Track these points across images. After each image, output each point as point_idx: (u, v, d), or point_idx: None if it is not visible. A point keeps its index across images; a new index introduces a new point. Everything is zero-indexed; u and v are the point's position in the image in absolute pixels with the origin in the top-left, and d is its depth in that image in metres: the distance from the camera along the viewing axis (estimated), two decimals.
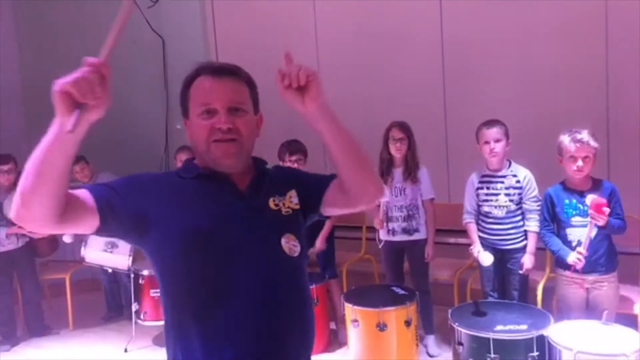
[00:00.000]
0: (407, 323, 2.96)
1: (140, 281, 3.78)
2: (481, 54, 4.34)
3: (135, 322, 3.80)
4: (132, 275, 3.83)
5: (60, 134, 1.01)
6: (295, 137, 3.69)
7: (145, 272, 3.78)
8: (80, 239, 4.03)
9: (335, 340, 3.65)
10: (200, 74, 1.29)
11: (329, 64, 4.71)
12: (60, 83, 0.97)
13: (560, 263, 2.74)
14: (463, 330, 2.59)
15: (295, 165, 3.57)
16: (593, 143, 2.60)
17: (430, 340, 3.43)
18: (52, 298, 4.51)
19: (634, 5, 3.75)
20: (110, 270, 4.13)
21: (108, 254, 3.96)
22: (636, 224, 3.02)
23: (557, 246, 2.72)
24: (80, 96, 0.98)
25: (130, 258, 3.92)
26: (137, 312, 3.79)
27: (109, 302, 4.53)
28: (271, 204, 1.30)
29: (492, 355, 2.46)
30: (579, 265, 2.59)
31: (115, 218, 1.17)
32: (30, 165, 1.02)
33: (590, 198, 2.51)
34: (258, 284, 1.21)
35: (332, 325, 3.73)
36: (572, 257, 2.61)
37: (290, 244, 1.28)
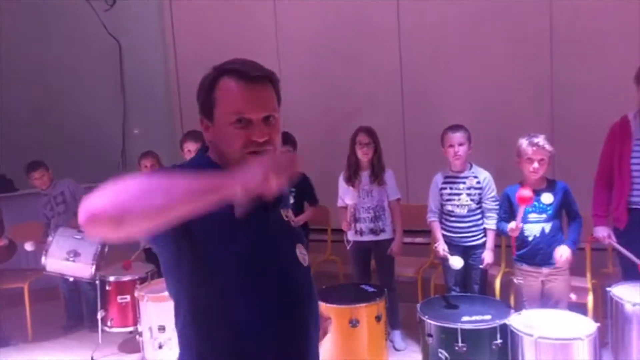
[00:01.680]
0: (378, 318, 3.09)
1: (107, 287, 3.75)
2: (436, 63, 4.58)
3: (102, 330, 3.76)
4: (97, 282, 3.79)
5: (217, 196, 0.96)
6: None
7: (112, 279, 3.75)
8: (41, 248, 3.94)
9: None
10: (225, 74, 1.22)
11: (290, 70, 4.82)
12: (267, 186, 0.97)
13: (519, 257, 2.96)
14: (432, 323, 2.75)
15: None
16: (548, 147, 2.84)
17: (397, 335, 3.59)
18: (9, 308, 4.36)
19: (577, 19, 4.09)
20: (71, 279, 4.06)
21: (70, 263, 3.89)
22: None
23: (502, 226, 2.97)
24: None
25: (94, 266, 3.87)
26: (103, 319, 3.74)
27: (69, 311, 4.44)
28: (283, 214, 1.33)
29: (460, 344, 2.63)
30: (515, 233, 2.82)
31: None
32: (159, 193, 0.93)
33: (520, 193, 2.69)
34: (288, 291, 1.25)
35: None
36: (510, 225, 2.83)
37: (302, 254, 1.32)
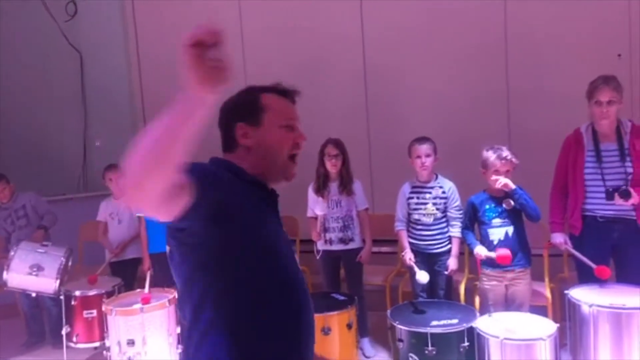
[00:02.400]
0: (349, 326, 3.16)
1: (72, 302, 3.68)
2: (399, 74, 4.74)
3: (66, 346, 3.68)
4: (62, 297, 3.71)
5: (195, 107, 0.97)
6: None
7: (77, 293, 3.69)
8: (1, 263, 3.83)
9: None
10: (268, 92, 1.40)
11: (255, 80, 4.86)
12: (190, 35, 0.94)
13: (484, 262, 3.10)
14: (403, 328, 2.84)
15: None
16: (515, 160, 3.00)
17: (366, 342, 3.67)
18: None
19: (531, 30, 4.32)
20: (33, 295, 3.96)
21: (33, 278, 3.79)
22: (540, 229, 3.47)
23: (470, 240, 3.13)
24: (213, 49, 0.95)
25: (58, 281, 3.79)
26: (68, 335, 3.67)
27: (30, 328, 4.31)
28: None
29: (430, 348, 2.73)
30: (481, 257, 3.02)
31: (204, 199, 1.10)
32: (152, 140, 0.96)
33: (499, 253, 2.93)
34: (299, 292, 1.31)
35: None
36: (477, 249, 3.02)
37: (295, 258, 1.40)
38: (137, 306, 3.46)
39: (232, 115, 1.36)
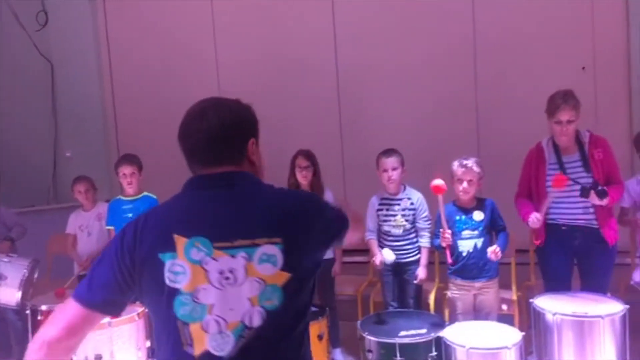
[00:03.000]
0: (320, 337, 3.17)
1: (38, 317, 3.60)
2: (373, 84, 4.81)
3: None
4: (28, 312, 3.63)
5: None
6: None
7: (44, 307, 3.60)
8: None
9: None
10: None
11: (229, 90, 4.87)
12: None
13: (453, 272, 3.14)
14: (372, 339, 2.86)
15: None
16: (476, 168, 3.05)
17: (337, 353, 3.67)
18: None
19: (499, 43, 4.42)
20: None
21: None
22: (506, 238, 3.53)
23: (437, 243, 3.18)
24: None
25: (20, 292, 3.70)
26: None
27: None
28: None
29: (399, 358, 2.75)
30: (447, 242, 3.03)
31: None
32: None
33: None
34: None
35: None
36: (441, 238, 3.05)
37: None
38: (105, 320, 3.42)
39: (247, 129, 1.36)
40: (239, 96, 5.02)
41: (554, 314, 2.76)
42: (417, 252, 3.39)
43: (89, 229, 4.19)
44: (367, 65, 4.78)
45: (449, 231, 3.00)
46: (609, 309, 2.76)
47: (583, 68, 4.32)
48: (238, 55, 5.19)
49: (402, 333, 2.86)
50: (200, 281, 1.17)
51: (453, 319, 3.11)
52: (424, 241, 3.35)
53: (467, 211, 3.08)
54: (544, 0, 4.34)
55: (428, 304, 3.59)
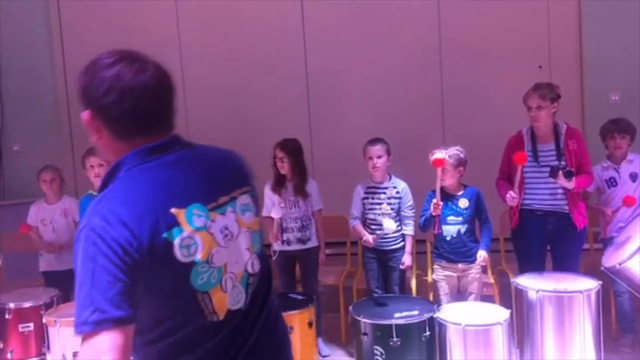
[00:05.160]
0: (310, 324, 3.19)
1: (6, 316, 3.40)
2: (341, 83, 4.88)
3: None
4: None
5: None
6: None
7: (12, 305, 3.42)
8: None
9: None
10: None
11: (194, 88, 4.81)
12: None
13: (438, 255, 3.27)
14: (367, 321, 2.92)
15: None
16: (448, 158, 3.17)
17: (320, 341, 3.70)
18: None
19: (463, 42, 4.64)
20: None
21: None
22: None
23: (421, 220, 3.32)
24: None
25: None
26: (2, 351, 3.38)
27: None
28: None
29: (395, 339, 2.83)
30: (437, 212, 3.15)
31: None
32: None
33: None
34: None
35: None
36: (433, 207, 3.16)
37: None
38: None
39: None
40: (204, 93, 5.11)
41: (537, 291, 2.95)
42: (401, 239, 3.49)
43: (54, 224, 3.98)
44: (335, 64, 4.85)
45: (441, 202, 3.13)
46: (585, 285, 2.98)
47: (540, 67, 4.62)
48: (203, 51, 5.11)
49: (397, 315, 2.94)
50: (212, 246, 1.14)
51: (438, 301, 3.23)
52: (408, 229, 3.46)
53: (453, 197, 3.21)
54: (504, 2, 4.61)
55: (411, 289, 3.70)
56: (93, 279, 1.01)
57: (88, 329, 0.99)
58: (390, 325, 2.85)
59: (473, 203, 3.22)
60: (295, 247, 3.57)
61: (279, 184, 3.56)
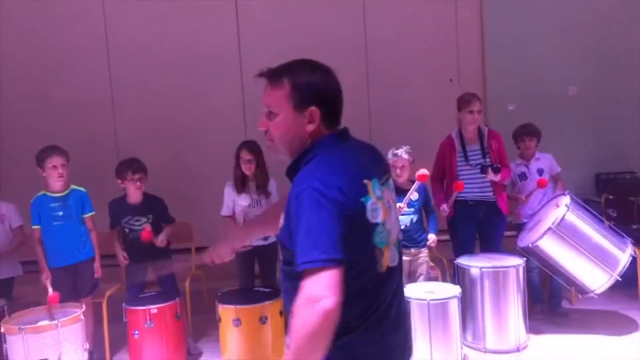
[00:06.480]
0: (281, 313, 3.39)
1: None
2: None
3: None
4: None
5: None
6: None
7: None
8: None
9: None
10: None
11: (122, 91, 4.75)
12: None
13: None
14: None
15: (138, 184, 3.66)
16: (405, 155, 3.62)
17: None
18: None
19: (387, 54, 5.15)
20: None
21: None
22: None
23: None
24: None
25: None
26: None
27: None
28: None
29: None
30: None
31: None
32: None
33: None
34: None
35: None
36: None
37: None
38: (45, 323, 3.17)
39: None
40: (134, 97, 5.27)
41: (480, 268, 3.46)
42: None
43: None
44: (270, 58, 5.06)
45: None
46: (514, 262, 3.56)
47: (450, 80, 5.27)
48: (133, 54, 5.07)
49: None
50: (385, 213, 1.44)
51: None
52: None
53: (405, 192, 3.63)
54: (416, 28, 5.20)
55: None
56: (320, 226, 1.27)
57: (317, 265, 1.24)
58: None
59: (422, 196, 3.67)
60: (258, 243, 3.71)
61: (242, 184, 3.71)
